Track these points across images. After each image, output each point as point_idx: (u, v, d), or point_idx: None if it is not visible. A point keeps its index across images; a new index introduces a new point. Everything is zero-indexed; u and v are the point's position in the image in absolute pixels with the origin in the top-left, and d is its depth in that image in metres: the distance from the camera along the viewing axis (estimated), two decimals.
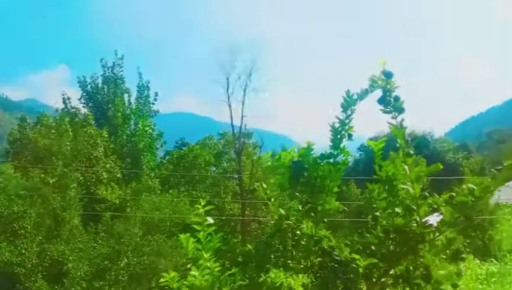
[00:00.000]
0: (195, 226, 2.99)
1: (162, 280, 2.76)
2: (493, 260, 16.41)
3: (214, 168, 32.63)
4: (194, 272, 2.75)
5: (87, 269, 20.61)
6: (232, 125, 29.22)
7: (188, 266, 3.04)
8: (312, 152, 3.01)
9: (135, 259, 21.09)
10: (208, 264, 2.87)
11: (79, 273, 20.28)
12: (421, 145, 45.72)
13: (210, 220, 2.97)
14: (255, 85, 29.27)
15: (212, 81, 29.01)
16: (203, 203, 2.95)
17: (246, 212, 28.64)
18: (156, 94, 31.62)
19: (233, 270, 2.83)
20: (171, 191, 27.10)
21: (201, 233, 2.94)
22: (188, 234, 2.99)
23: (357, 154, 43.10)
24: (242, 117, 28.31)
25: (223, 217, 27.13)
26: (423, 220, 2.39)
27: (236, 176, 29.88)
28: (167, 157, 33.93)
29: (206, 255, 2.89)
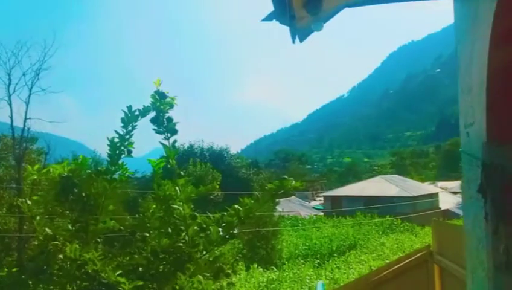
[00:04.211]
0: None
1: None
2: (274, 267, 18.45)
3: None
4: None
5: None
6: (12, 128, 25.24)
7: None
8: (87, 167, 2.81)
9: None
10: None
11: None
12: (218, 161, 48.82)
13: None
14: (45, 85, 25.99)
15: None
16: None
17: (25, 227, 25.14)
18: None
19: None
20: None
21: None
22: None
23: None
24: (25, 119, 24.68)
25: None
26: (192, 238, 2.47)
27: (14, 186, 26.00)
28: None
29: None
